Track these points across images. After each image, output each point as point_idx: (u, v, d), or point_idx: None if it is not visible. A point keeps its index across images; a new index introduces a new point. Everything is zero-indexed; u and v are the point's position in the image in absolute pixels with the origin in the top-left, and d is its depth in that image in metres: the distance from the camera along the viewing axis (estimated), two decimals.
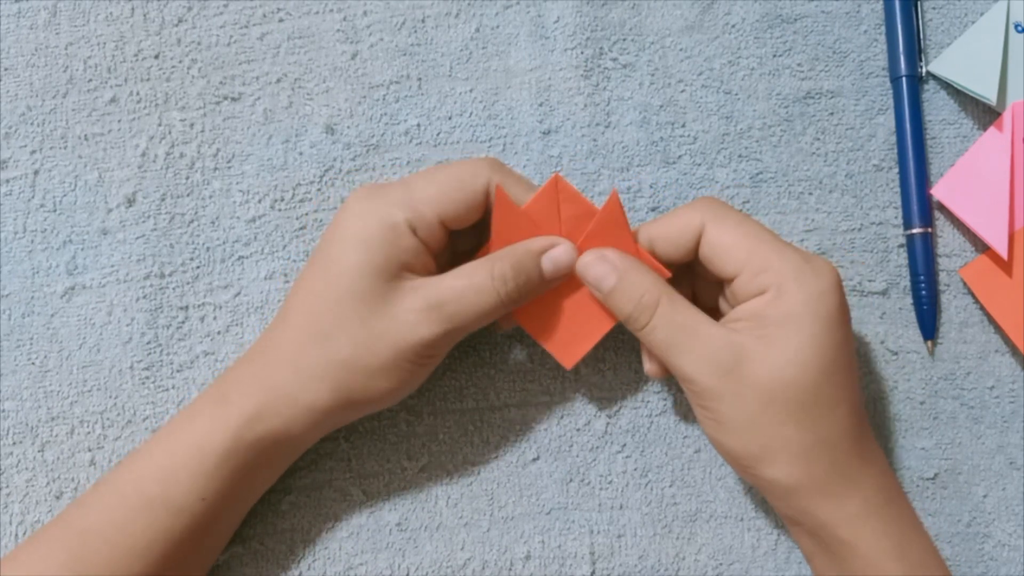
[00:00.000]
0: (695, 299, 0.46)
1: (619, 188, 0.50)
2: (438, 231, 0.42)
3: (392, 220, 0.41)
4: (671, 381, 0.48)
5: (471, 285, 0.41)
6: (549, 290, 0.44)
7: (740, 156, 0.50)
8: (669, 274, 0.43)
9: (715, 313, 0.44)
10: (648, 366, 0.44)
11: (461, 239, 0.45)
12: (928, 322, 0.49)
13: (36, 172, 0.49)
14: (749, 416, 0.40)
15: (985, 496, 0.48)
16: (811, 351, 0.39)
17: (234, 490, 0.41)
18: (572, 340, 0.44)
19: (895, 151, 0.51)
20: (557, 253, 0.42)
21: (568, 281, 0.44)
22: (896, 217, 0.50)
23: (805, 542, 0.44)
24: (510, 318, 0.45)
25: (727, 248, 0.41)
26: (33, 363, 0.48)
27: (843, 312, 0.41)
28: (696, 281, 0.46)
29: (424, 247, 0.42)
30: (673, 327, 0.41)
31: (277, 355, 0.42)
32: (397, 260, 0.41)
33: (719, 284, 0.44)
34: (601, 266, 0.42)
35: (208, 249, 0.49)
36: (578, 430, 0.48)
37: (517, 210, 0.42)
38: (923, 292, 0.49)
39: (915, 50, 0.51)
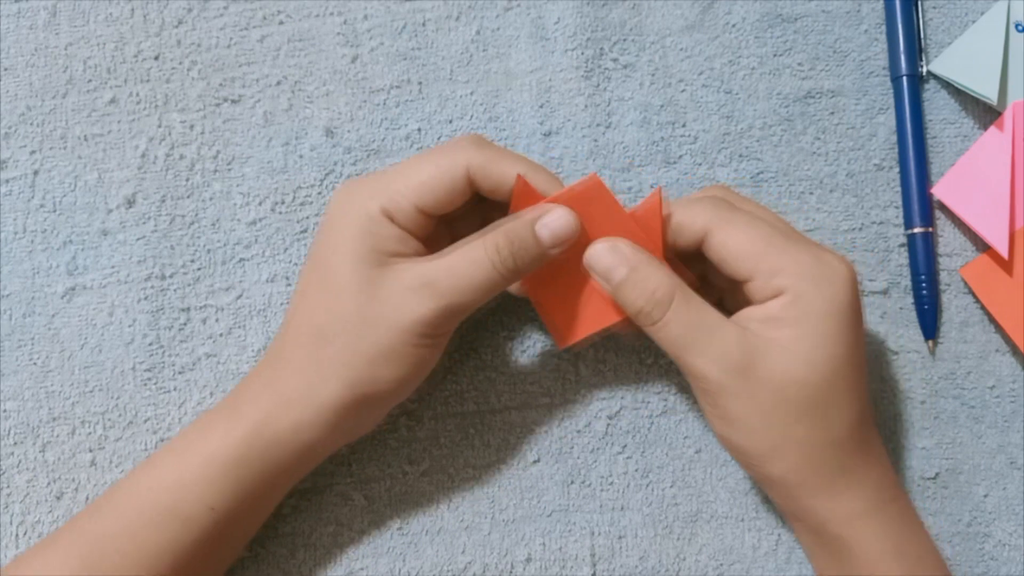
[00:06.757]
0: (703, 281, 0.45)
1: (620, 188, 0.50)
2: (418, 218, 0.41)
3: (368, 211, 0.40)
4: (672, 382, 0.48)
5: (465, 258, 0.40)
6: (565, 266, 0.42)
7: (741, 156, 0.50)
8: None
9: (722, 294, 0.44)
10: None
11: (463, 226, 0.44)
12: (929, 322, 0.49)
13: (36, 172, 0.49)
14: (760, 415, 0.40)
15: (986, 496, 0.48)
16: (824, 350, 0.39)
17: (243, 500, 0.41)
18: (571, 322, 0.43)
19: (896, 150, 0.51)
20: (552, 219, 0.41)
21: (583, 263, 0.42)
22: (897, 216, 0.50)
23: (806, 539, 0.44)
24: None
25: (736, 254, 0.40)
26: (34, 363, 0.48)
27: (856, 309, 0.40)
28: (706, 267, 0.45)
29: (407, 233, 0.41)
30: (687, 325, 0.40)
31: (282, 361, 0.42)
32: (380, 248, 0.40)
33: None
34: (611, 256, 0.41)
35: (209, 251, 0.49)
36: (578, 432, 0.48)
37: (539, 198, 0.41)
38: (924, 292, 0.49)
39: (915, 49, 0.51)
